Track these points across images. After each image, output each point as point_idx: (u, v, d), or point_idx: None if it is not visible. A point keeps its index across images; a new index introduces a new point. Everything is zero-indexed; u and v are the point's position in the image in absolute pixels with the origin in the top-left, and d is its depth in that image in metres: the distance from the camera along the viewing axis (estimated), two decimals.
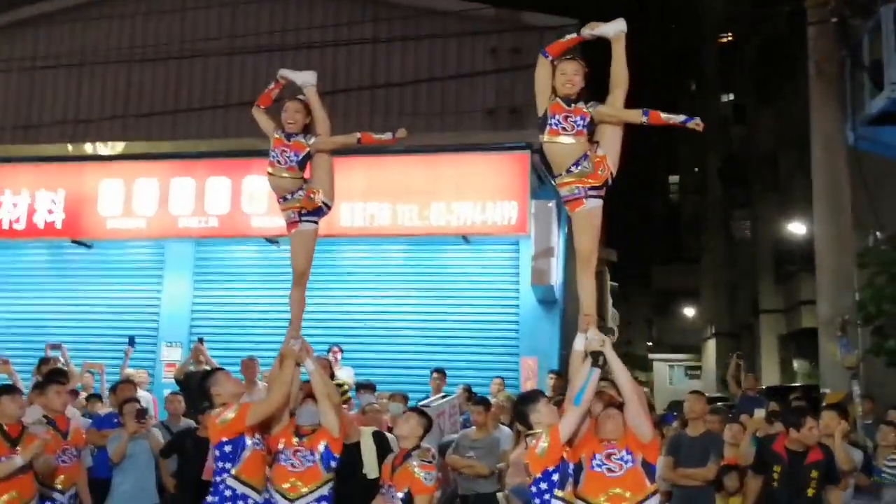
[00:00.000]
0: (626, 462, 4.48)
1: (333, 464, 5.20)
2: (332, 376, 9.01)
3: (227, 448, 4.94)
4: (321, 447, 5.16)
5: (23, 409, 5.67)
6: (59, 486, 6.05)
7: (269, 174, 5.60)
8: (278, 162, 5.56)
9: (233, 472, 4.92)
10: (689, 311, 42.85)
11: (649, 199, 44.82)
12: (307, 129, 5.60)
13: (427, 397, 9.50)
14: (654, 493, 4.45)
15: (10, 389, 5.79)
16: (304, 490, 5.07)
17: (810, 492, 5.83)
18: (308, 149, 5.54)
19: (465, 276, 12.06)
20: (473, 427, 7.89)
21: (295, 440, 5.18)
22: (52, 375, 6.94)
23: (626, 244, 34.87)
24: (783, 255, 24.70)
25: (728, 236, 31.89)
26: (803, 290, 23.65)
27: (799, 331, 23.91)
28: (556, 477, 4.56)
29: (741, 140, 28.99)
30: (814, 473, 5.90)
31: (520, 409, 4.87)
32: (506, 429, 8.00)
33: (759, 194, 26.62)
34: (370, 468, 5.78)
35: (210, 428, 5.06)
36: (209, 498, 4.99)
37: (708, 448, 6.84)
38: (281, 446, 5.16)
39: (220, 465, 4.96)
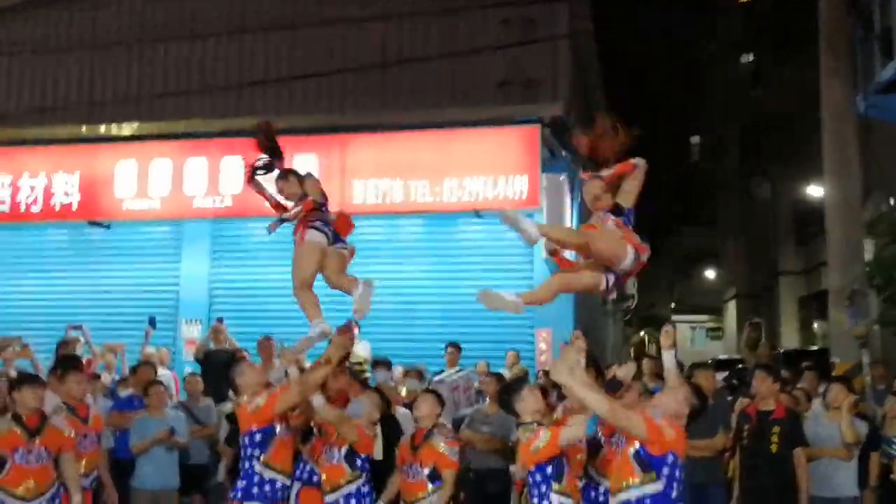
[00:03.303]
0: (619, 446, 4.58)
1: (359, 462, 5.42)
2: (349, 353, 9.19)
3: (258, 436, 5.15)
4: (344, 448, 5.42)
5: (42, 400, 5.71)
6: (81, 471, 6.10)
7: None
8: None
9: (262, 459, 5.12)
10: (710, 274, 42.74)
11: (670, 160, 44.41)
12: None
13: (442, 371, 9.61)
14: (642, 484, 4.35)
15: (30, 380, 5.84)
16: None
17: (773, 447, 5.96)
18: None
19: (478, 250, 12.11)
20: (487, 401, 7.97)
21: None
22: (67, 362, 6.98)
23: (647, 206, 34.76)
24: (802, 217, 24.52)
25: (748, 198, 31.64)
26: (823, 252, 23.49)
27: (818, 292, 23.79)
28: (549, 470, 4.70)
29: (760, 102, 28.61)
30: (775, 429, 6.05)
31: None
32: None
33: (778, 156, 26.34)
34: (376, 451, 5.92)
35: (240, 416, 5.23)
36: (239, 483, 5.20)
37: (716, 419, 6.89)
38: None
39: (249, 451, 5.18)
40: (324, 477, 5.46)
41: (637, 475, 4.34)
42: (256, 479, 5.12)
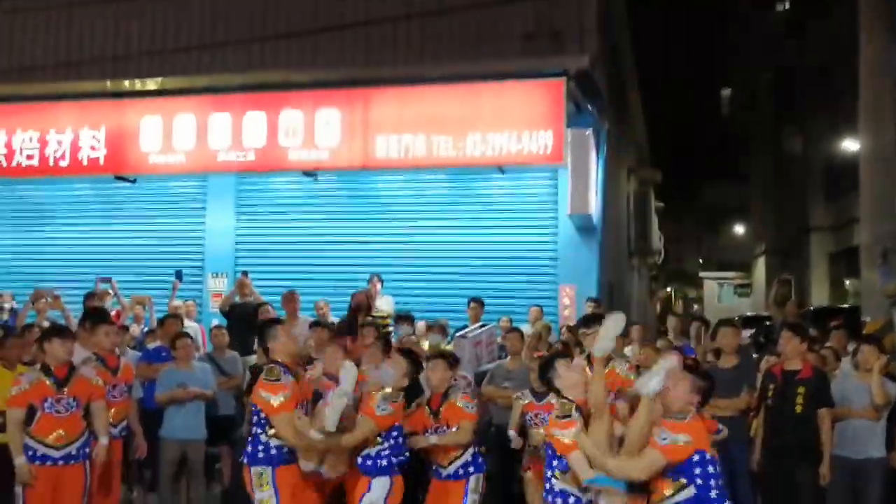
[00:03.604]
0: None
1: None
2: (371, 307, 9.25)
3: (263, 415, 5.18)
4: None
5: (72, 351, 5.82)
6: (111, 420, 6.24)
7: None
8: None
9: (269, 432, 5.17)
10: (739, 229, 42.38)
11: (700, 113, 43.74)
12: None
13: (465, 327, 9.64)
14: (675, 493, 4.29)
15: (60, 332, 5.94)
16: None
17: (798, 407, 5.92)
18: None
19: (503, 205, 12.04)
20: (509, 357, 7.99)
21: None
22: (97, 314, 7.08)
23: (676, 160, 34.36)
24: (834, 172, 24.12)
25: (779, 152, 31.16)
26: (855, 208, 23.12)
27: (849, 248, 23.49)
28: (555, 463, 4.81)
29: (794, 54, 27.96)
30: (800, 389, 5.98)
31: (544, 377, 5.22)
32: None
33: (811, 110, 25.84)
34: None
35: (255, 396, 5.22)
36: (248, 448, 5.27)
37: (740, 379, 6.85)
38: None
39: (256, 420, 5.23)
40: None
41: (669, 486, 4.31)
42: (261, 447, 5.18)
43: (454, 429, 5.60)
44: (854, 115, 12.12)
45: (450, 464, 5.63)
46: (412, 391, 6.15)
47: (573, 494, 4.80)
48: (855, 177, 12.15)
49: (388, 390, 5.36)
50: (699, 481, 4.23)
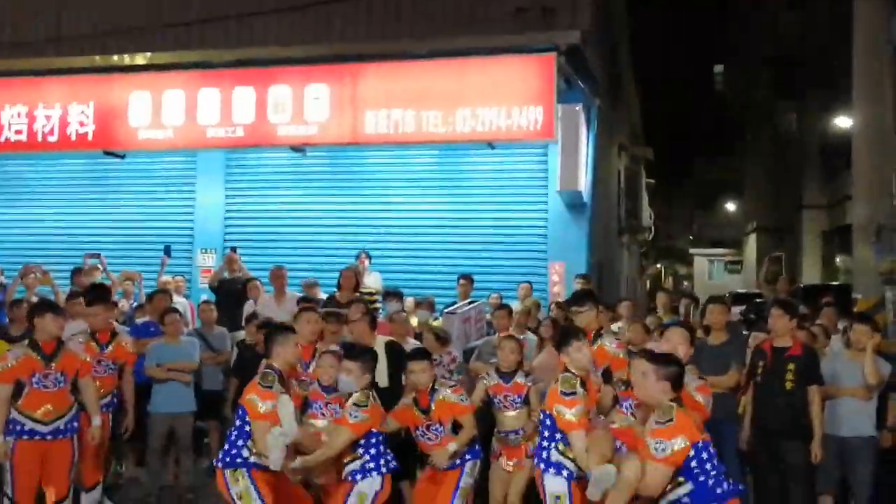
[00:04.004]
0: None
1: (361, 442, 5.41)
2: (359, 284, 9.25)
3: (248, 429, 5.17)
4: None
5: (62, 327, 5.84)
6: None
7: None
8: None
9: (250, 445, 5.18)
10: (731, 206, 42.38)
11: (693, 89, 43.61)
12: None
13: (454, 303, 9.65)
14: (673, 489, 4.25)
15: (53, 308, 5.94)
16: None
17: (788, 385, 5.91)
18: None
19: (493, 181, 12.01)
20: (497, 334, 8.00)
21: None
22: (95, 293, 7.08)
23: (668, 136, 34.29)
24: (829, 150, 24.09)
25: (773, 129, 31.10)
26: (848, 186, 23.13)
27: (842, 227, 23.54)
28: (558, 436, 4.93)
29: (792, 29, 27.81)
30: (790, 366, 5.97)
31: (560, 347, 5.26)
32: (531, 335, 8.09)
33: (807, 86, 25.74)
34: (379, 377, 5.99)
35: (245, 400, 5.19)
36: (224, 449, 5.27)
37: (729, 356, 6.86)
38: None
39: (239, 425, 5.23)
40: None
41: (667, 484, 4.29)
42: (236, 450, 5.18)
43: (446, 427, 5.46)
44: (850, 93, 12.04)
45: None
46: (395, 359, 6.18)
47: (567, 468, 4.88)
48: (849, 155, 12.12)
49: (357, 395, 5.26)
50: (697, 475, 4.19)
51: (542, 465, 4.99)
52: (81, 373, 5.80)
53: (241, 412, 5.18)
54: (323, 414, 5.61)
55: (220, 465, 5.17)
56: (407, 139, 11.54)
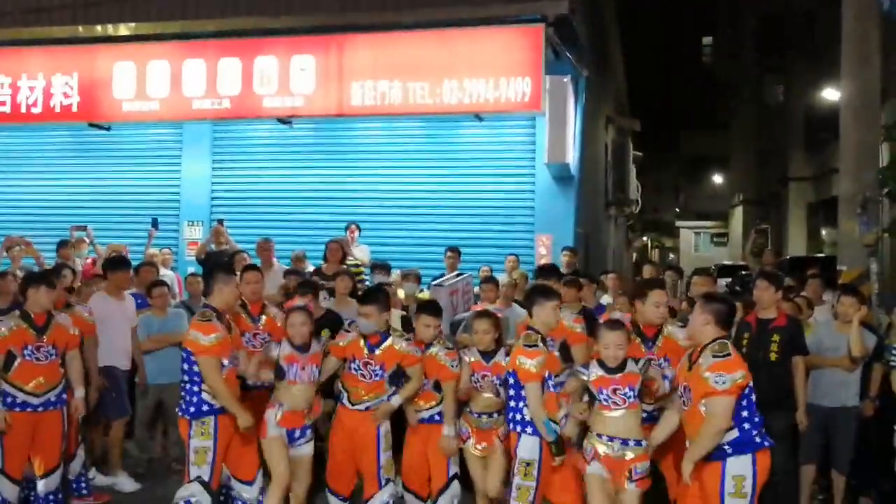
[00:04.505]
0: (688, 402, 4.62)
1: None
2: (345, 256, 9.25)
3: (197, 368, 5.25)
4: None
5: (54, 301, 5.82)
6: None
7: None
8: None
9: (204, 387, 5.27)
10: (718, 178, 42.55)
11: (680, 61, 43.52)
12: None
13: (442, 275, 9.65)
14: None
15: (48, 280, 5.89)
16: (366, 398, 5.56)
17: (772, 356, 5.95)
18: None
19: (480, 153, 11.98)
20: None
21: (366, 352, 5.56)
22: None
23: (655, 108, 34.26)
24: (815, 122, 24.13)
25: (760, 101, 31.12)
26: (834, 158, 23.19)
27: (828, 199, 23.64)
28: (523, 392, 5.10)
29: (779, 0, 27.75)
30: (774, 337, 6.01)
31: (527, 305, 5.43)
32: (518, 308, 8.11)
33: (794, 58, 25.74)
34: None
35: (187, 341, 5.26)
36: (186, 399, 5.35)
37: None
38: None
39: (188, 369, 5.31)
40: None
41: None
42: (196, 398, 5.25)
43: (386, 373, 5.53)
44: (837, 66, 11.99)
45: (428, 408, 5.65)
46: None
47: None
48: (836, 127, 12.09)
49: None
50: (743, 420, 4.39)
51: (516, 428, 5.07)
52: (70, 346, 5.80)
53: (185, 355, 5.26)
54: (301, 378, 5.44)
55: (186, 415, 5.24)
56: (394, 111, 11.48)
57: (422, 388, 5.59)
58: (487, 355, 5.50)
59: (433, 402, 5.62)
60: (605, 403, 4.80)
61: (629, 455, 4.75)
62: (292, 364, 5.42)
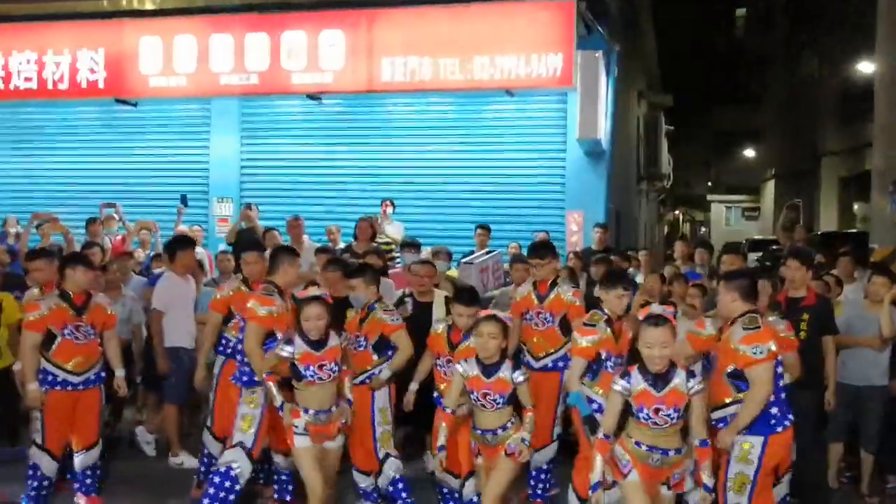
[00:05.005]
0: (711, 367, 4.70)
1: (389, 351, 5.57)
2: (375, 234, 9.21)
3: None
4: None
5: (91, 280, 5.80)
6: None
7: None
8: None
9: None
10: (749, 153, 41.96)
11: (712, 34, 42.79)
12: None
13: (471, 252, 9.60)
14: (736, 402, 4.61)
15: (86, 260, 5.91)
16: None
17: (802, 334, 5.84)
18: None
19: (510, 129, 11.86)
20: (514, 286, 7.95)
21: (358, 325, 5.57)
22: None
23: (686, 82, 33.76)
24: (850, 95, 23.67)
25: (793, 75, 30.57)
26: (868, 132, 22.77)
27: (861, 174, 23.26)
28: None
29: None
30: (804, 316, 5.92)
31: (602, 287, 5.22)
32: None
33: (828, 31, 25.19)
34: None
35: (245, 307, 5.34)
36: (240, 370, 5.43)
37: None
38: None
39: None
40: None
41: (732, 394, 4.54)
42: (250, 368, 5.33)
43: (369, 343, 5.55)
44: (873, 37, 11.70)
45: None
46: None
47: (596, 400, 4.95)
48: (870, 101, 11.84)
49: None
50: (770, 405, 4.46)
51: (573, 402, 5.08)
52: (108, 326, 5.82)
53: (242, 324, 5.40)
54: (321, 378, 4.94)
55: (239, 383, 5.36)
56: (424, 87, 11.39)
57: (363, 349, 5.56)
58: (489, 369, 4.75)
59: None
60: (643, 422, 4.24)
61: (670, 464, 4.30)
62: (307, 365, 4.91)
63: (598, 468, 4.24)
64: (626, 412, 4.29)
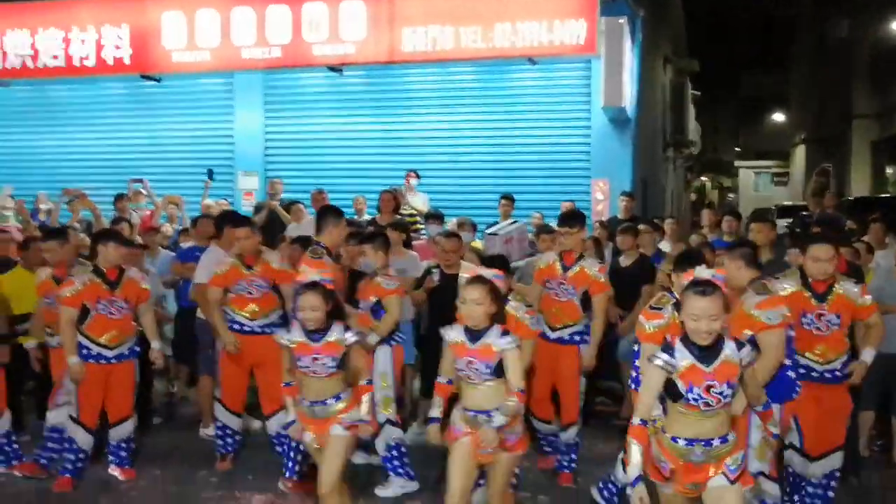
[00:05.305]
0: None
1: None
2: (398, 206, 9.21)
3: None
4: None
5: (122, 255, 5.85)
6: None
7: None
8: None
9: None
10: (779, 117, 41.36)
11: None
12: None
13: (496, 223, 9.58)
14: None
15: (117, 236, 5.98)
16: None
17: None
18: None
19: (534, 98, 11.78)
20: (538, 255, 7.92)
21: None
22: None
23: (714, 47, 33.29)
24: (881, 56, 23.19)
25: (823, 37, 29.95)
26: None
27: (893, 136, 22.86)
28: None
29: None
30: None
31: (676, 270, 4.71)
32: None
33: None
34: None
35: (299, 271, 5.17)
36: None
37: (774, 274, 6.73)
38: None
39: None
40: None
41: None
42: None
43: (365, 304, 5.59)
44: None
45: None
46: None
47: None
48: None
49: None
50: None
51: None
52: (142, 299, 5.88)
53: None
54: (314, 371, 4.42)
55: None
56: (445, 56, 11.33)
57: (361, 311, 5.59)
58: (475, 334, 4.17)
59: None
60: (693, 404, 3.56)
61: (717, 456, 3.62)
62: (301, 356, 4.44)
63: (635, 459, 3.57)
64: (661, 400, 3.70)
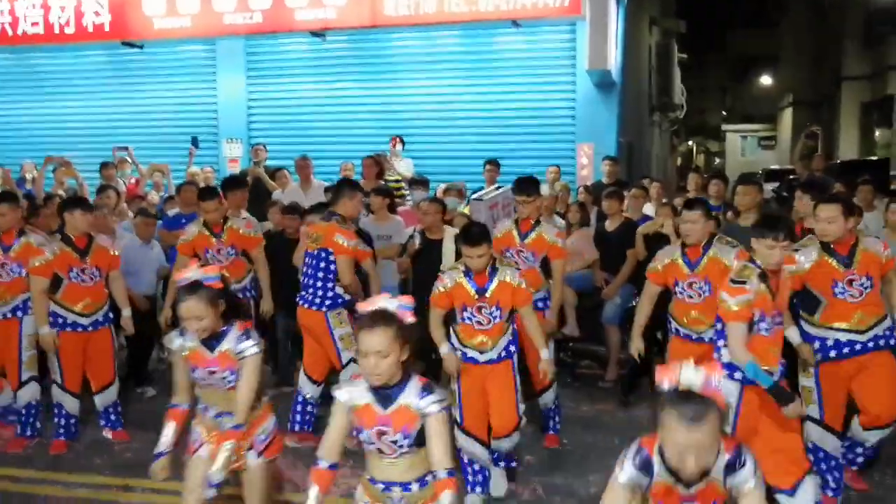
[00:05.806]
0: None
1: None
2: (382, 172, 9.17)
3: (333, 267, 5.53)
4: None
5: (89, 222, 5.81)
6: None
7: None
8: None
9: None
10: (766, 79, 41.16)
11: None
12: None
13: (481, 189, 9.55)
14: None
15: (82, 203, 5.93)
16: None
17: None
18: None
19: (518, 62, 11.71)
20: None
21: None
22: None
23: (700, 7, 32.99)
24: (872, 16, 23.08)
25: None
26: (891, 55, 22.27)
27: (883, 98, 22.83)
28: None
29: None
30: None
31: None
32: (558, 219, 8.01)
33: None
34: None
35: (330, 241, 5.46)
36: (318, 295, 5.59)
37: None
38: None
39: (324, 267, 5.58)
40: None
41: None
42: (332, 293, 5.52)
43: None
44: None
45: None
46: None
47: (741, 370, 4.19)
48: (894, 22, 11.49)
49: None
50: None
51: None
52: (112, 266, 5.88)
53: (324, 255, 5.50)
54: (210, 384, 3.72)
55: (322, 308, 5.47)
56: (428, 20, 11.24)
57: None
58: (385, 395, 2.99)
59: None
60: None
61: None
62: (195, 367, 3.67)
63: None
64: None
